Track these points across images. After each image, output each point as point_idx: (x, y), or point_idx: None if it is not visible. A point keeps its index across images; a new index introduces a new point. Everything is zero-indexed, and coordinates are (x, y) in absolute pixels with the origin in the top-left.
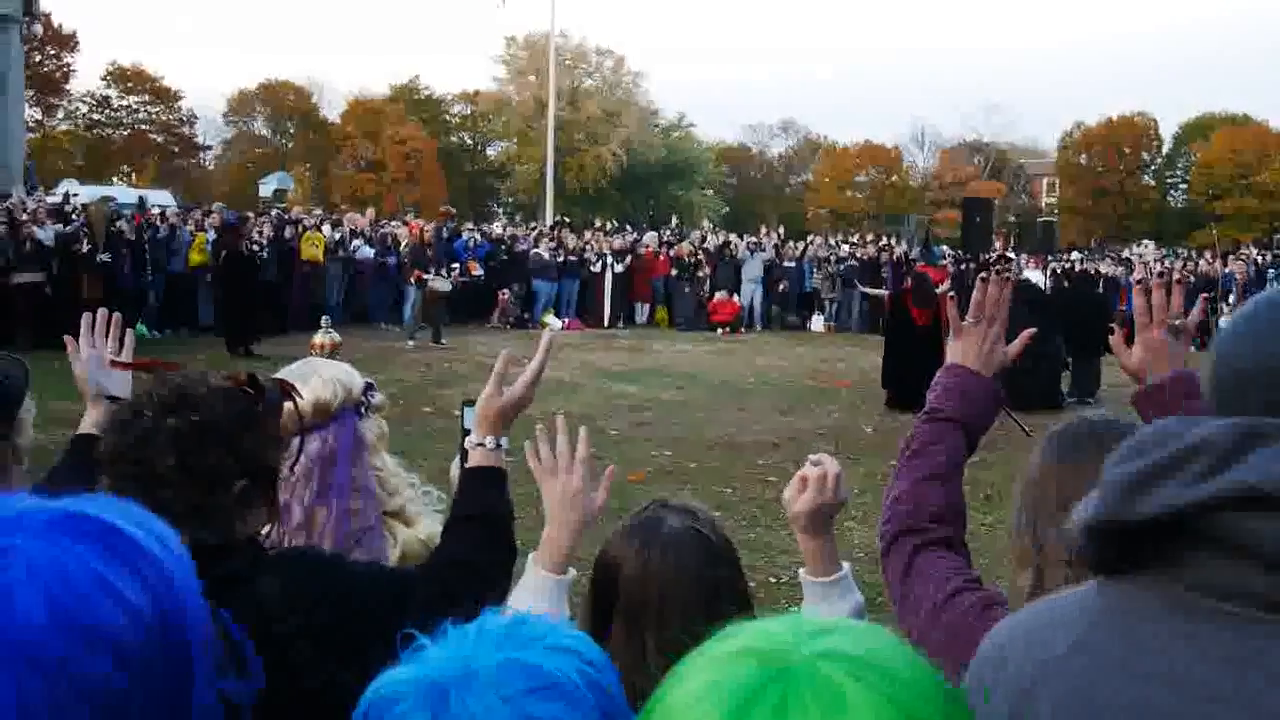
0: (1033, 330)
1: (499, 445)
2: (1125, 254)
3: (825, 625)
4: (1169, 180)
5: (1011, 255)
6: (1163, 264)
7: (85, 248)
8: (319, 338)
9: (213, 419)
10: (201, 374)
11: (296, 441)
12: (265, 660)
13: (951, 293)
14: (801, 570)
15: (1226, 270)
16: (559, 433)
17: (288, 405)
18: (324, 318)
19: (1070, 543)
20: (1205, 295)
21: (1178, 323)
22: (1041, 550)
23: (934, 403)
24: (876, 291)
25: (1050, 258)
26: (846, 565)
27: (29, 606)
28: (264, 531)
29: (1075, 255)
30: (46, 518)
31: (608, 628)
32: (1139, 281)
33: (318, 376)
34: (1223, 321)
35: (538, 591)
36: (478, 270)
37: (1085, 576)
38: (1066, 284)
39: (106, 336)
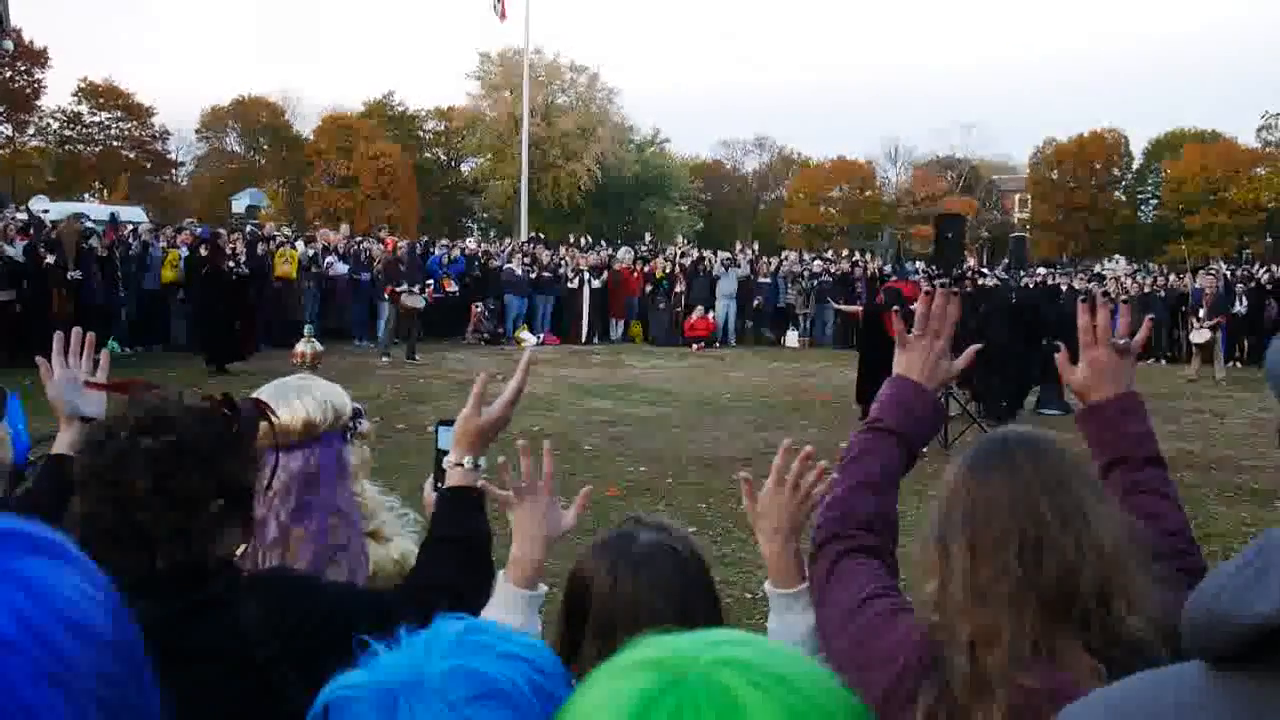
0: (978, 346)
1: (477, 466)
2: (1096, 269)
3: (734, 638)
4: (1140, 196)
5: (986, 270)
6: (1134, 279)
7: (52, 259)
8: (301, 346)
9: (188, 439)
10: (176, 394)
11: (272, 460)
12: (247, 684)
13: (896, 308)
14: (766, 582)
15: (1196, 285)
16: (522, 456)
17: (263, 424)
18: (306, 327)
19: (1190, 628)
20: (1150, 316)
21: (1122, 342)
22: (947, 561)
23: (875, 413)
24: (851, 309)
25: (1022, 273)
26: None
27: (46, 625)
28: (238, 552)
29: (1043, 270)
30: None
31: (580, 643)
32: (1084, 299)
33: (310, 396)
34: (1193, 336)
35: (508, 606)
36: (452, 287)
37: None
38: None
39: (80, 355)
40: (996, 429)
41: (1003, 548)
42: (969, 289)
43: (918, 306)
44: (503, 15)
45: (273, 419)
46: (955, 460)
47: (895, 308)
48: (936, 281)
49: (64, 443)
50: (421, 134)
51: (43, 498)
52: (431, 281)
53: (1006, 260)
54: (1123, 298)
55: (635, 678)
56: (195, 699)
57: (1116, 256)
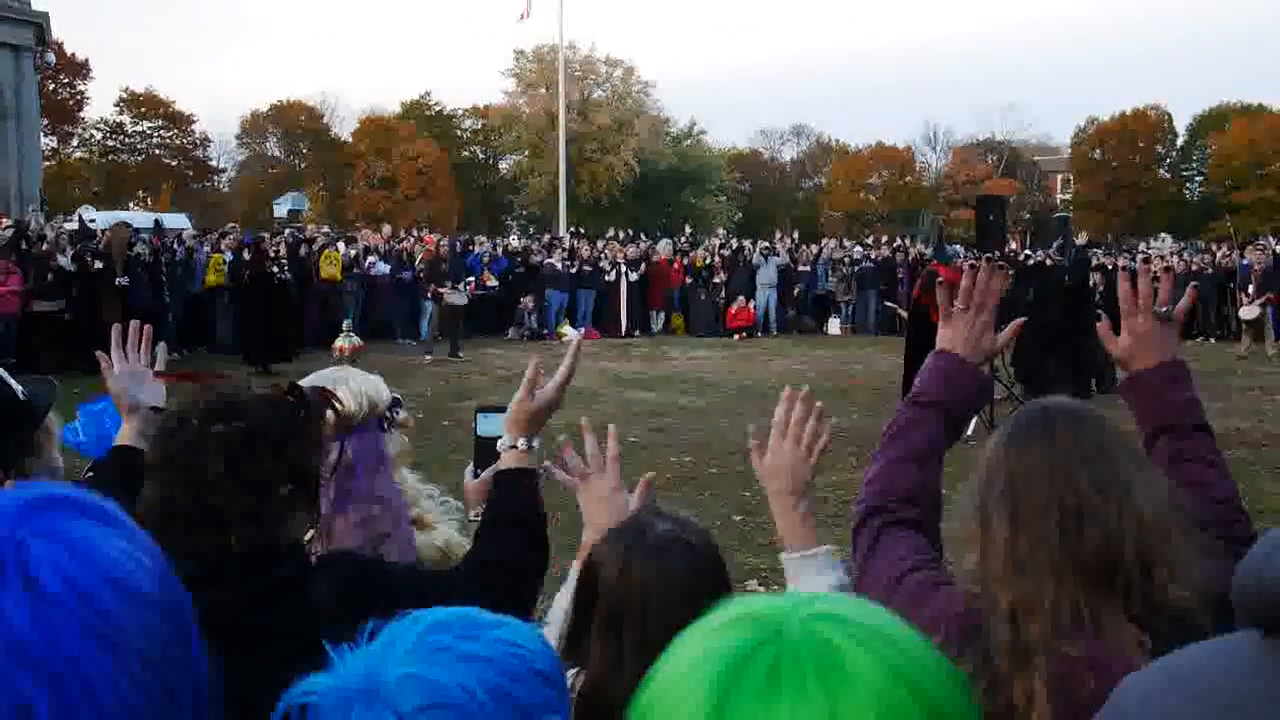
0: (1022, 320)
1: (531, 447)
2: (1142, 247)
3: (828, 596)
4: (1185, 173)
5: (1030, 251)
6: (1180, 257)
7: (100, 267)
8: (341, 341)
9: (259, 425)
10: (244, 384)
11: (336, 446)
12: (317, 663)
13: (941, 279)
14: (783, 553)
15: (1244, 260)
16: (586, 435)
17: (329, 412)
18: (345, 322)
19: (1240, 595)
20: (1194, 284)
21: (1164, 310)
22: (988, 532)
23: (918, 387)
24: (901, 311)
25: (1064, 254)
26: (826, 546)
27: (90, 583)
28: (306, 537)
29: (1092, 250)
30: (44, 501)
31: (586, 633)
32: (1125, 268)
33: (345, 387)
34: (1243, 312)
35: None
36: (492, 281)
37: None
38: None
39: (139, 349)
40: (1035, 400)
41: (1043, 518)
42: (1013, 268)
43: (963, 280)
44: (525, 14)
45: (338, 407)
46: (995, 432)
47: (940, 280)
48: (984, 259)
49: (129, 434)
50: (459, 133)
51: (108, 485)
52: (472, 279)
53: (1060, 240)
54: (1164, 265)
55: (729, 634)
56: (266, 677)
57: (1162, 235)
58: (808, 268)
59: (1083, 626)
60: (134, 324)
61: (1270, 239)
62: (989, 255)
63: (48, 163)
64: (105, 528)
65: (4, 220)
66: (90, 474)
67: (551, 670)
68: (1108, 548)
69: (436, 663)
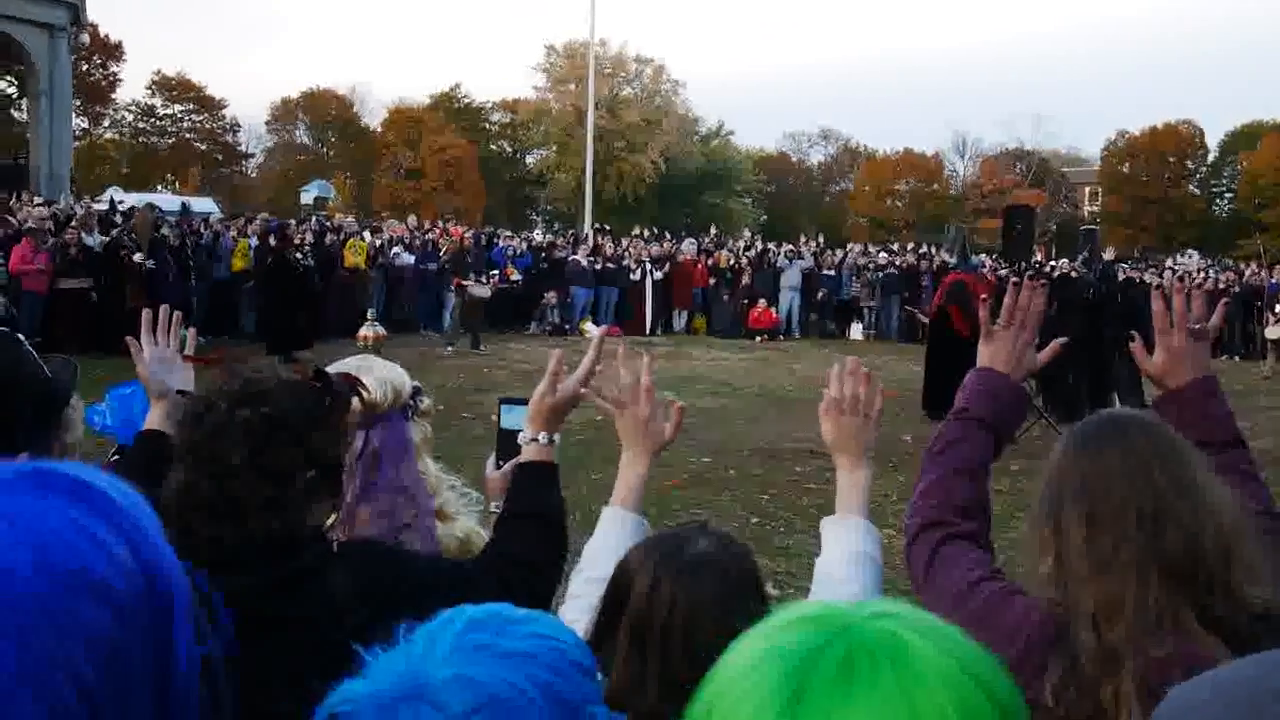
0: (1063, 340)
1: (552, 441)
2: (1168, 263)
3: (883, 600)
4: (1214, 189)
5: (1055, 263)
6: (1207, 274)
7: (130, 245)
8: (365, 330)
9: (282, 412)
10: (270, 368)
11: (362, 435)
12: (335, 652)
13: (984, 296)
14: (840, 519)
15: (1272, 280)
16: (620, 366)
17: (354, 400)
18: (370, 311)
19: None
20: (1225, 300)
21: (1198, 326)
22: (1061, 535)
23: (962, 403)
24: (923, 317)
25: (1090, 267)
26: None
27: (14, 556)
28: (328, 523)
29: (1120, 265)
30: (15, 474)
31: (610, 634)
32: (1158, 287)
33: (370, 376)
34: (1269, 331)
35: (610, 524)
36: (515, 275)
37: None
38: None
39: (168, 333)
40: (1100, 411)
41: (1121, 517)
42: (1044, 281)
43: (1005, 298)
44: None
45: (364, 394)
46: (1061, 439)
47: (983, 298)
48: (1011, 277)
49: (155, 419)
50: (487, 126)
51: (134, 469)
52: (495, 272)
53: (1085, 254)
54: (1195, 281)
55: (794, 633)
56: (284, 665)
57: (1190, 251)
58: (832, 272)
59: (1166, 627)
60: (164, 308)
61: None
62: (1031, 273)
63: (77, 143)
64: (76, 509)
65: (35, 199)
66: (116, 457)
67: (589, 663)
68: (1189, 547)
69: (480, 661)
